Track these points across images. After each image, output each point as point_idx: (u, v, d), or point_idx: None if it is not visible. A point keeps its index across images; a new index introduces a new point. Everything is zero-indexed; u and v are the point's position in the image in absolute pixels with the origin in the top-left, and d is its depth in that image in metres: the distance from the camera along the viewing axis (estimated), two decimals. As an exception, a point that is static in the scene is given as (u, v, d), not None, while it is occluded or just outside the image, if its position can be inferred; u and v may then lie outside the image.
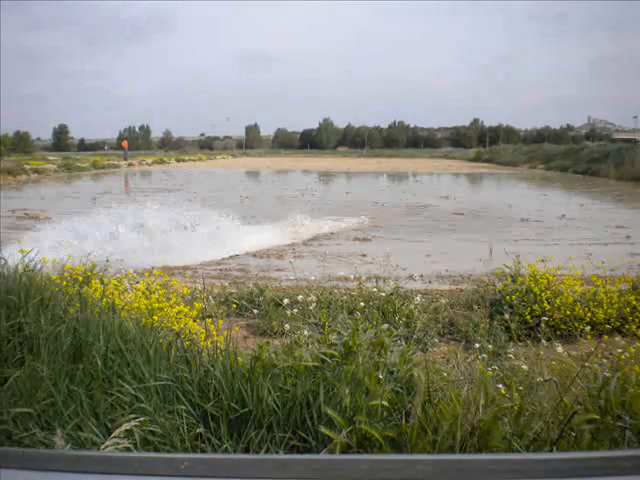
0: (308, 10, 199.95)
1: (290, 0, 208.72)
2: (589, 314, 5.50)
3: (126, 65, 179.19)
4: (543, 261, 6.25)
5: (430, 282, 8.32)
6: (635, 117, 76.73)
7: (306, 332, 3.60)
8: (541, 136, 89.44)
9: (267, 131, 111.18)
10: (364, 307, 5.44)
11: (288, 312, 5.09)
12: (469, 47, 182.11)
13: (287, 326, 4.86)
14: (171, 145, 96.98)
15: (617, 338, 4.60)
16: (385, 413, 2.49)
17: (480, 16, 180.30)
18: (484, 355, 4.29)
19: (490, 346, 4.72)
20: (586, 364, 3.02)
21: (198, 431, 2.45)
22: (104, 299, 3.91)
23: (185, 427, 2.44)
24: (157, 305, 4.29)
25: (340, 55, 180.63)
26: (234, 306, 6.07)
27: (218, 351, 2.83)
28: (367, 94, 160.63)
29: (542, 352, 4.25)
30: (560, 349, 4.24)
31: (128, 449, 1.89)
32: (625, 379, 2.71)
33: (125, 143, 63.20)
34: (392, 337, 3.42)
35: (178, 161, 64.05)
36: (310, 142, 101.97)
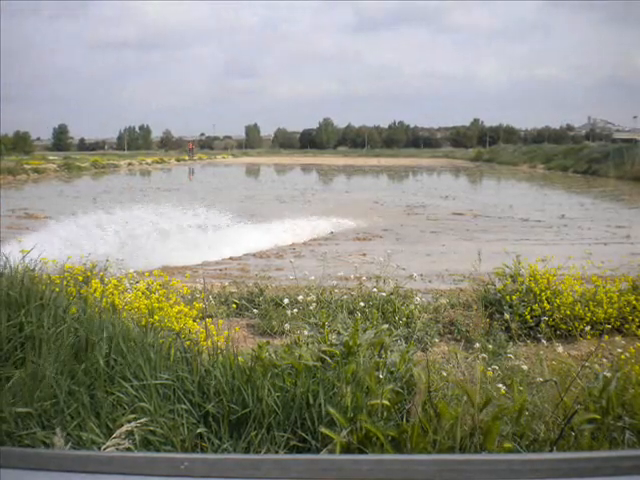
0: (306, 10, 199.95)
1: (289, 0, 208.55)
2: (589, 314, 5.49)
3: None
4: (543, 261, 6.25)
5: (430, 282, 8.32)
6: (635, 117, 76.72)
7: (306, 332, 3.60)
8: (541, 136, 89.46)
9: (267, 131, 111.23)
10: (364, 307, 5.44)
11: (288, 312, 5.09)
12: (470, 47, 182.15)
13: (287, 326, 4.86)
14: (171, 145, 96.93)
15: (617, 338, 4.60)
16: (385, 413, 2.50)
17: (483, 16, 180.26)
18: (484, 355, 4.29)
19: (490, 346, 4.72)
20: (586, 364, 3.02)
21: (198, 431, 2.45)
22: (104, 299, 3.91)
23: (186, 427, 2.44)
24: (157, 305, 4.29)
25: (340, 55, 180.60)
26: (234, 306, 6.06)
27: (218, 351, 2.83)
28: (367, 94, 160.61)
29: (542, 352, 4.25)
30: (560, 349, 4.24)
31: (129, 449, 1.89)
32: (625, 379, 2.71)
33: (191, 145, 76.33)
34: (392, 337, 3.42)
35: (178, 161, 64.14)
36: (310, 142, 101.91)
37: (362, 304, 5.53)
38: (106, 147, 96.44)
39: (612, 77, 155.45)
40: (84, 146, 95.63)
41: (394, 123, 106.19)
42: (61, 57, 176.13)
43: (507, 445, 2.28)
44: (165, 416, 2.46)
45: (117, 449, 1.81)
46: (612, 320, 5.51)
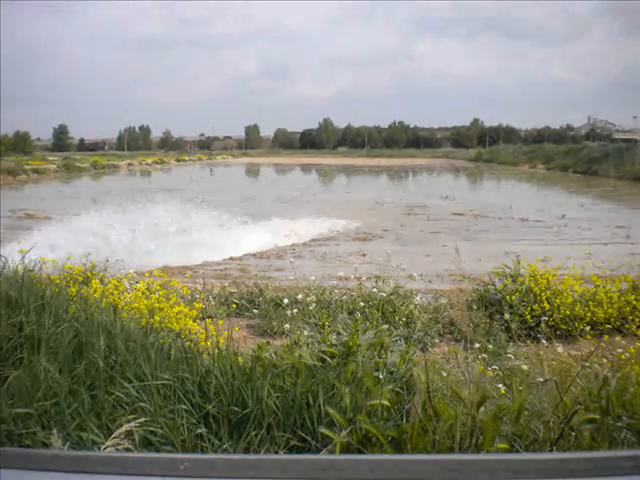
0: (306, 9, 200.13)
1: (291, 0, 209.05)
2: (589, 314, 5.49)
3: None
4: (543, 261, 6.25)
5: (430, 282, 8.32)
6: (635, 117, 76.72)
7: (306, 332, 3.60)
8: (541, 136, 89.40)
9: (267, 132, 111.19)
10: (364, 307, 5.44)
11: (288, 312, 5.09)
12: (471, 47, 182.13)
13: (287, 326, 4.86)
14: (171, 145, 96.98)
15: (617, 338, 4.60)
16: (385, 413, 2.50)
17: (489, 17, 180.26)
18: (484, 355, 4.29)
19: (490, 346, 4.72)
20: (586, 364, 3.02)
21: (199, 431, 2.45)
22: (104, 299, 3.91)
23: (186, 427, 2.44)
24: (157, 305, 4.29)
25: (339, 55, 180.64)
26: (234, 306, 6.06)
27: (218, 351, 2.83)
28: (368, 94, 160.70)
29: (542, 352, 4.25)
30: (560, 349, 4.24)
31: (128, 450, 1.89)
32: (625, 379, 2.71)
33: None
34: (392, 337, 3.42)
35: (178, 161, 64.21)
36: (310, 142, 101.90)
37: (362, 304, 5.53)
38: (106, 147, 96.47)
39: (613, 76, 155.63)
40: (84, 146, 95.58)
41: (394, 123, 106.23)
42: (71, 55, 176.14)
43: (506, 445, 2.28)
44: (165, 416, 2.46)
45: (117, 449, 1.81)
46: (612, 320, 5.51)
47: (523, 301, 5.76)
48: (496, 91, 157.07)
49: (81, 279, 4.98)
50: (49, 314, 3.03)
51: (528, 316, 5.59)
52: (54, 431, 1.88)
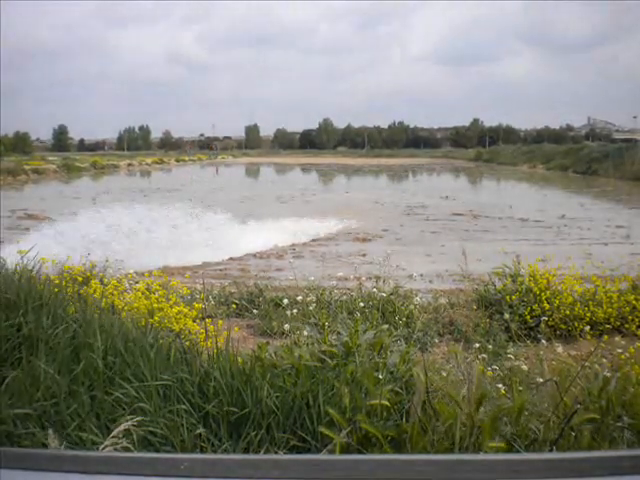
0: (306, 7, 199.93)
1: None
2: (589, 314, 5.49)
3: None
4: (543, 261, 6.25)
5: (430, 282, 8.32)
6: (635, 117, 76.76)
7: (306, 332, 3.60)
8: (541, 136, 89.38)
9: (266, 132, 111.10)
10: (364, 307, 5.43)
11: (288, 312, 5.09)
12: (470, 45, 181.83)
13: (287, 326, 4.85)
14: (170, 145, 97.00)
15: (617, 338, 4.60)
16: (385, 413, 2.50)
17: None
18: (484, 355, 4.28)
19: (490, 346, 4.72)
20: (586, 364, 3.02)
21: (198, 431, 2.45)
22: (104, 299, 3.91)
23: (185, 427, 2.44)
24: (157, 305, 4.29)
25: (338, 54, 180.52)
26: (234, 306, 6.06)
27: (217, 351, 2.83)
28: (368, 93, 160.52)
29: (542, 352, 4.25)
30: (560, 349, 4.24)
31: (127, 449, 1.89)
32: (625, 379, 2.71)
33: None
34: (392, 337, 3.42)
35: (178, 161, 64.24)
36: (310, 142, 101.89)
37: (362, 304, 5.53)
38: (106, 148, 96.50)
39: (613, 76, 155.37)
40: (84, 147, 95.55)
41: (394, 123, 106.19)
42: (72, 55, 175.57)
43: (505, 445, 2.28)
44: (165, 417, 2.45)
45: (115, 448, 1.81)
46: (612, 320, 5.51)
47: (523, 301, 5.76)
48: (497, 91, 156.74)
49: (81, 279, 4.98)
50: (47, 314, 3.03)
51: (528, 316, 5.59)
52: (50, 431, 1.87)
